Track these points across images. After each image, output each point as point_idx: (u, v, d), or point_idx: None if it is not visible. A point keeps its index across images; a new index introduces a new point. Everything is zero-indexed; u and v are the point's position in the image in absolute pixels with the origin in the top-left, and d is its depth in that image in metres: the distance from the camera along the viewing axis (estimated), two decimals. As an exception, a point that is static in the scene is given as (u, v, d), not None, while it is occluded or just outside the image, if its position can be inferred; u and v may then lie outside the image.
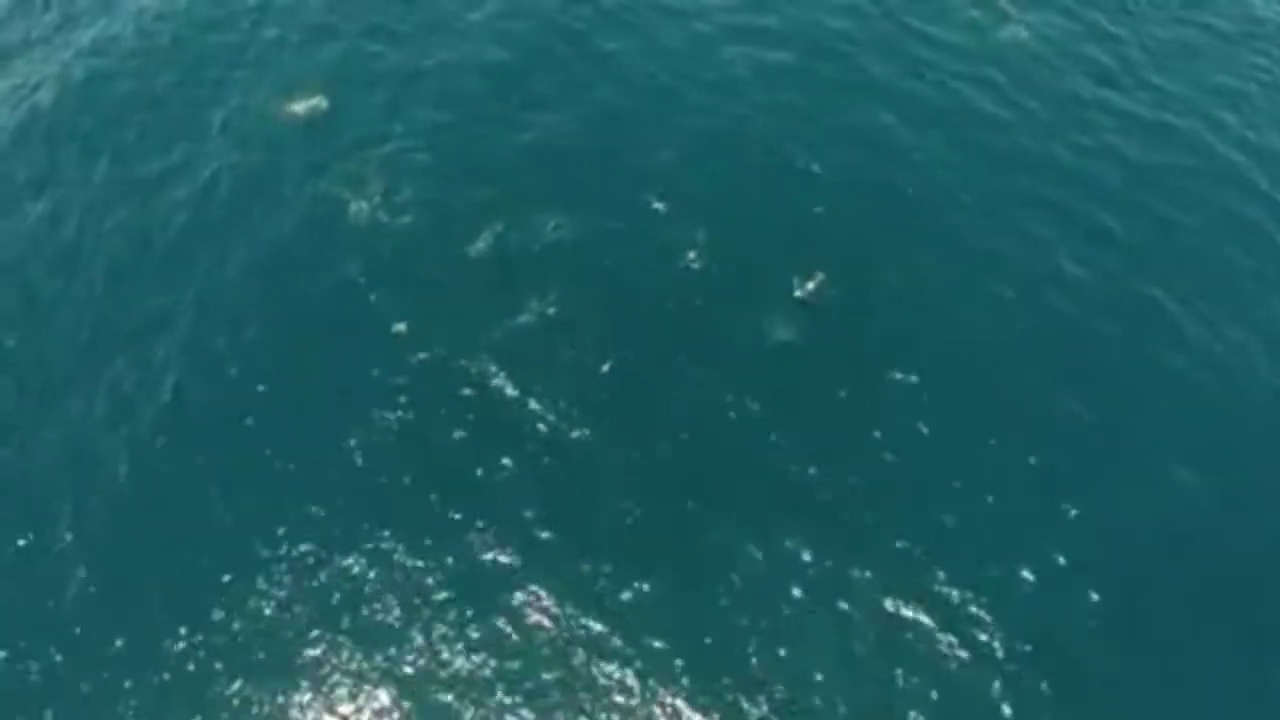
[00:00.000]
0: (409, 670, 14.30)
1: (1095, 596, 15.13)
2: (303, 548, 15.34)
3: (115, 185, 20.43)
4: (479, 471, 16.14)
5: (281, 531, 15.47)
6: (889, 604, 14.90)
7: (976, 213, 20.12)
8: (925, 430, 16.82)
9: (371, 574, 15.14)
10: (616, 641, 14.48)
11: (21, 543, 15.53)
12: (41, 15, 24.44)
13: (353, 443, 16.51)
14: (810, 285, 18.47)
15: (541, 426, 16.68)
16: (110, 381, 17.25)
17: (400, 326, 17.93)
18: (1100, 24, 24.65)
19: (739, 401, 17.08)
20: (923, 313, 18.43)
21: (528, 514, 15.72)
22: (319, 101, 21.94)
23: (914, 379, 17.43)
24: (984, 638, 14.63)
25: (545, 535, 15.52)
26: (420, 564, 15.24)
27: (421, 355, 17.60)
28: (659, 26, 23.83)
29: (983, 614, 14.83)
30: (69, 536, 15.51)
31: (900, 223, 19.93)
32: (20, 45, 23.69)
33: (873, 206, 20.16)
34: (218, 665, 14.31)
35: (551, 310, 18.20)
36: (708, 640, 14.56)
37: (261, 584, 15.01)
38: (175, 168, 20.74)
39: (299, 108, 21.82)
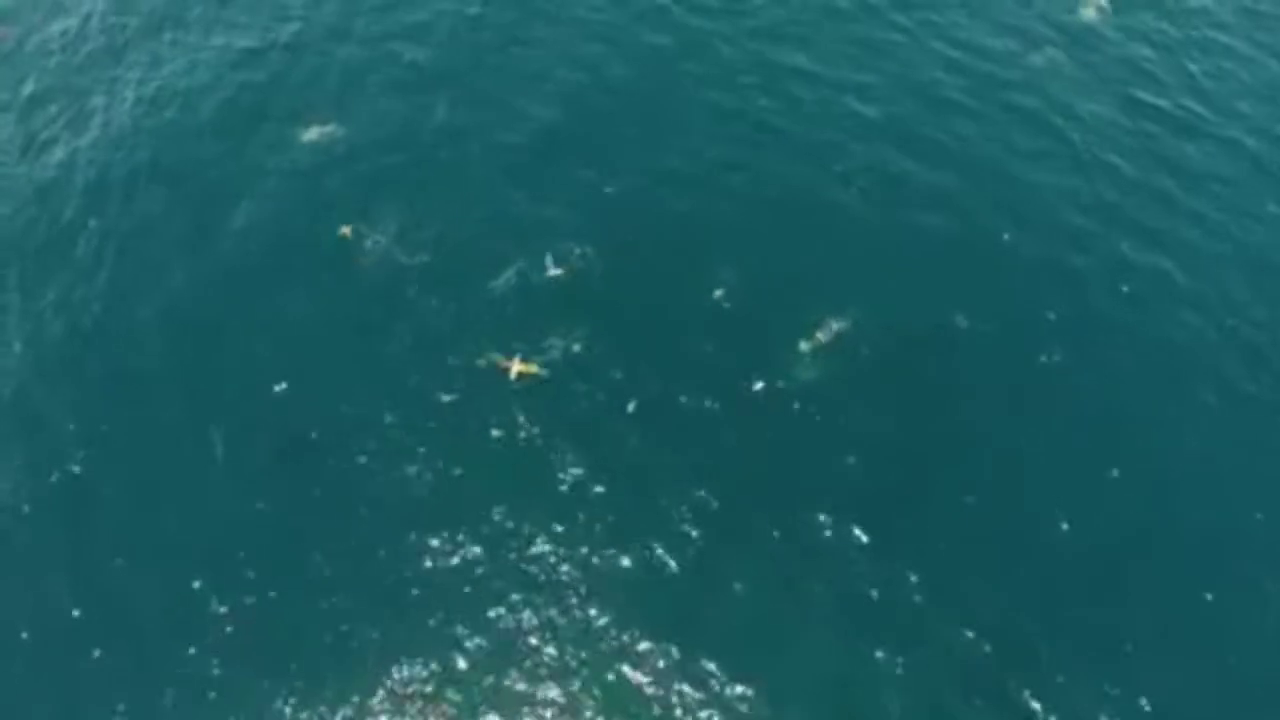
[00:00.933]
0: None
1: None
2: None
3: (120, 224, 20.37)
4: (510, 524, 16.05)
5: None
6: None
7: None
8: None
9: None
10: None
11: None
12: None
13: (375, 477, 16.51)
14: (833, 326, 18.26)
15: (572, 472, 16.58)
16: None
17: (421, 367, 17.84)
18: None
19: (773, 444, 16.93)
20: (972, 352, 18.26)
21: (561, 573, 15.68)
22: (332, 128, 21.68)
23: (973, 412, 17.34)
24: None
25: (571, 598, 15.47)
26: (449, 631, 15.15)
27: (446, 398, 17.48)
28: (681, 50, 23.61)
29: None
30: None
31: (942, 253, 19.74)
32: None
33: (911, 239, 19.87)
34: None
35: (576, 347, 18.03)
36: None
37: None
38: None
39: (311, 134, 21.56)
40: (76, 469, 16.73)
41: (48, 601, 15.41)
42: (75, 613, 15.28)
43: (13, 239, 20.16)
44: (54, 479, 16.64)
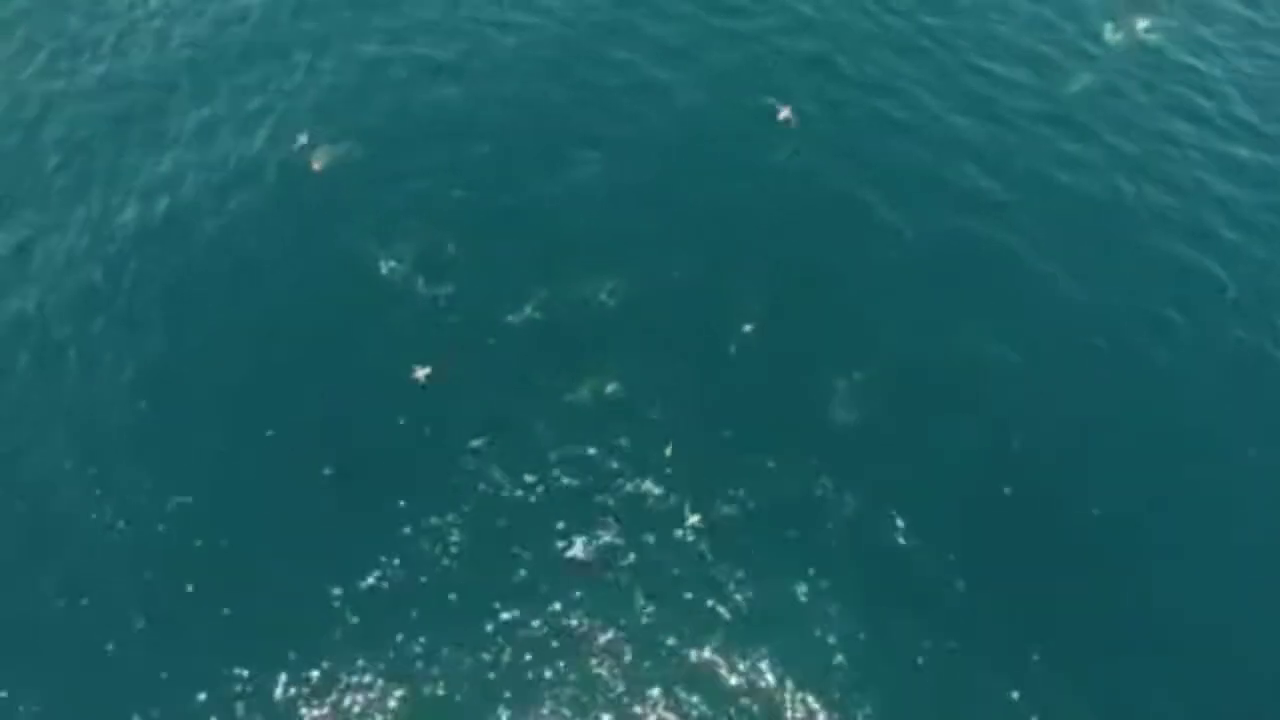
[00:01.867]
0: None
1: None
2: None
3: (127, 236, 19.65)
4: (543, 587, 15.48)
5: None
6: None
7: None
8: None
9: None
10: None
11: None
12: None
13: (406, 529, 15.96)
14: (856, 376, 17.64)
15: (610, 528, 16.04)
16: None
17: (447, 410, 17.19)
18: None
19: (815, 488, 16.41)
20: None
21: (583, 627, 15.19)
22: (350, 147, 20.88)
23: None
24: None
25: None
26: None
27: (474, 443, 16.86)
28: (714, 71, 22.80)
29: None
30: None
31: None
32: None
33: (953, 274, 19.25)
34: None
35: (611, 388, 17.41)
36: None
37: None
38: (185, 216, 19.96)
39: (326, 154, 20.76)
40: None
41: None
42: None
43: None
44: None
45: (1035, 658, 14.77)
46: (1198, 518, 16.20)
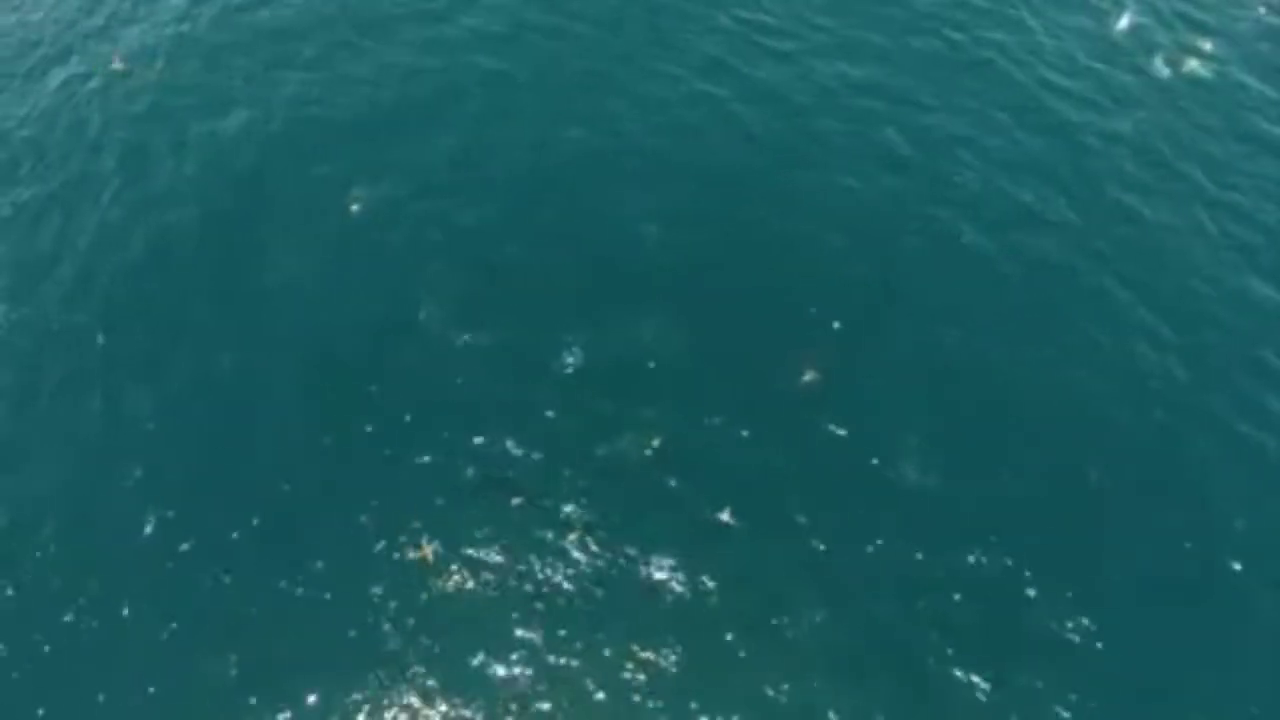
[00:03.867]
0: None
1: None
2: None
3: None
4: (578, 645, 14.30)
5: None
6: None
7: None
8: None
9: None
10: None
11: None
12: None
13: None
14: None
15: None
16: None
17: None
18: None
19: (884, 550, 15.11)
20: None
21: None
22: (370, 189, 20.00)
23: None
24: None
25: None
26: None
27: (515, 500, 15.72)
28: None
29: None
30: None
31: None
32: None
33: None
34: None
35: (655, 443, 16.23)
36: None
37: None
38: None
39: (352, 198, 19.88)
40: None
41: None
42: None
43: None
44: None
45: None
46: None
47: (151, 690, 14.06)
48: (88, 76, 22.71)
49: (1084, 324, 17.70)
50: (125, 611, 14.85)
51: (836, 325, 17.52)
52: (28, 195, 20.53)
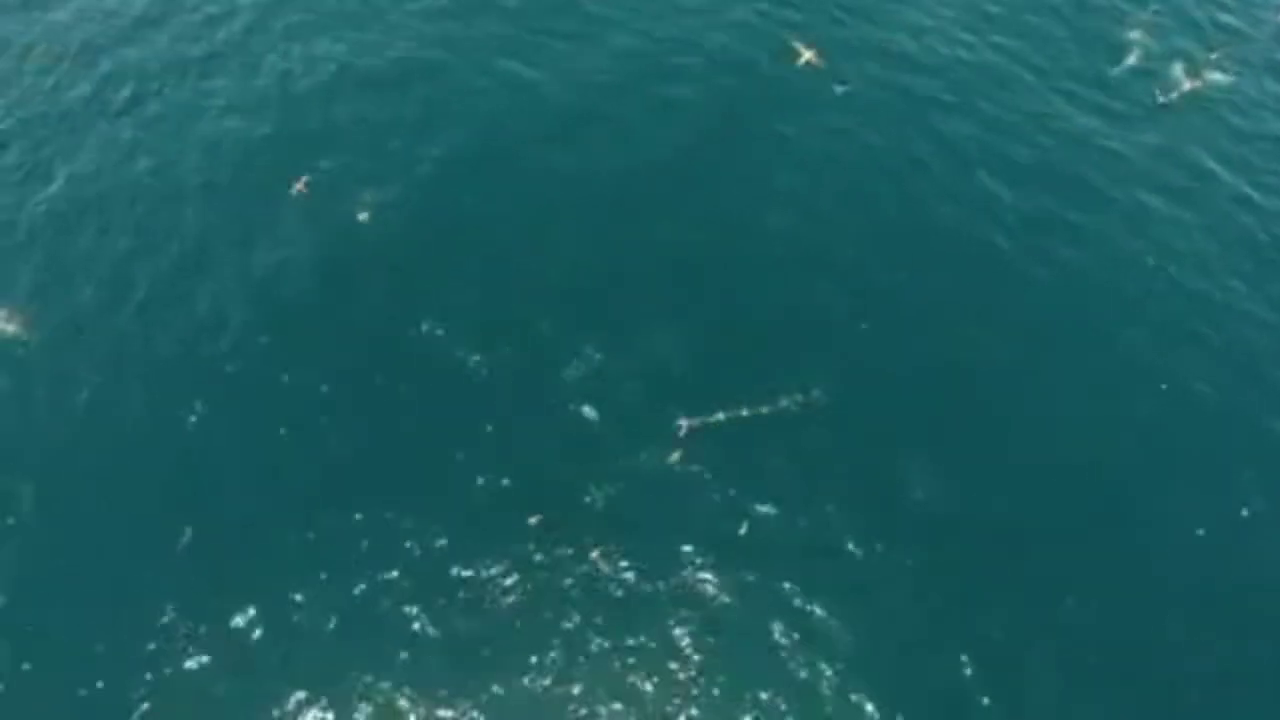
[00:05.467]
0: None
1: None
2: None
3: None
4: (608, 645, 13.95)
5: None
6: None
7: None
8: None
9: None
10: None
11: None
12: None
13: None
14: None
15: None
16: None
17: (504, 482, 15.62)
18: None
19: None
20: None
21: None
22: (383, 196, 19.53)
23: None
24: None
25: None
26: None
27: (531, 519, 15.25)
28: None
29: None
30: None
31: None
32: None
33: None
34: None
35: (676, 456, 15.77)
36: None
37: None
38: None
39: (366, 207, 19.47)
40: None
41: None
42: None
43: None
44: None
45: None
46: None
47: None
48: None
49: (1120, 330, 17.50)
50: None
51: (864, 326, 17.28)
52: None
